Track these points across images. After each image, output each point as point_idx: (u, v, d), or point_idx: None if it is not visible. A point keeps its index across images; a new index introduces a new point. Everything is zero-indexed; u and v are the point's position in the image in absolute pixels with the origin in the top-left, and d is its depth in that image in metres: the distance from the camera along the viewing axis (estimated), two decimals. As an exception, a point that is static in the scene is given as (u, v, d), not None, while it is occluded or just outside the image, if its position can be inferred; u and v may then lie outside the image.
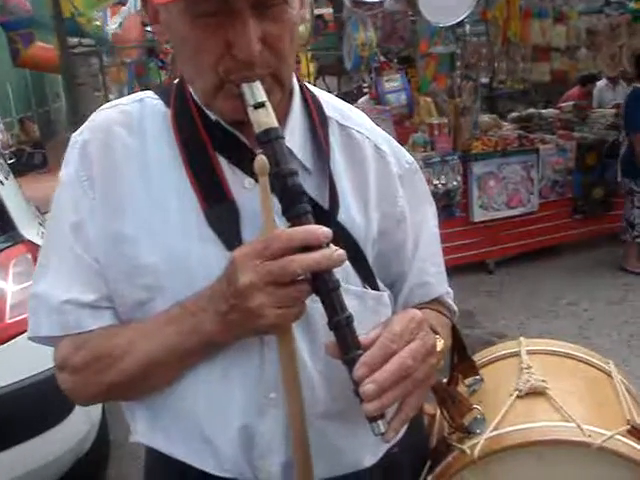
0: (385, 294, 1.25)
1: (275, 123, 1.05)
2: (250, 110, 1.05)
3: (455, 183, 6.11)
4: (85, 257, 1.15)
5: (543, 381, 1.24)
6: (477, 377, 1.33)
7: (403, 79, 5.51)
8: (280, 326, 1.03)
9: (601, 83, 9.14)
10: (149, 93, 1.25)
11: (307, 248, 0.99)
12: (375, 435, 1.00)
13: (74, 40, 8.31)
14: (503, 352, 1.39)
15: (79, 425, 3.12)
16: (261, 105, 1.05)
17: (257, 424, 1.14)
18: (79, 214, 1.15)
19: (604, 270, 6.59)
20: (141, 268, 1.12)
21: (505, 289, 6.33)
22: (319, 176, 1.18)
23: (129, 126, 1.19)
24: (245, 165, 1.14)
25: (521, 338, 1.39)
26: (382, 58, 5.73)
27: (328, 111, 1.26)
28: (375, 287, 1.23)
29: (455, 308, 1.37)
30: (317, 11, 7.65)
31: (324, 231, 1.00)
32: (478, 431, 1.21)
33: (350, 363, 1.00)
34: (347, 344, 1.01)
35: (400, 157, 1.32)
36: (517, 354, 1.36)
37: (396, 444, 1.24)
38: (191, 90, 1.18)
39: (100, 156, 1.16)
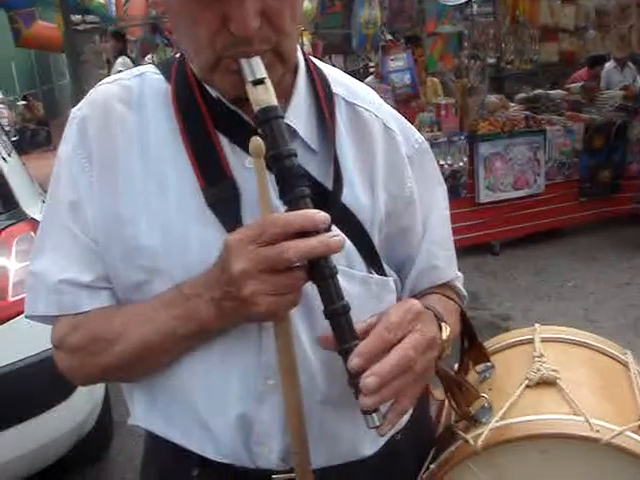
0: (390, 280, 1.22)
1: (274, 101, 1.00)
2: (249, 87, 1.01)
3: (461, 164, 6.09)
4: (82, 237, 1.12)
5: (554, 371, 1.20)
6: (488, 364, 1.29)
7: (409, 58, 5.43)
8: (275, 314, 1.00)
9: (609, 65, 9.04)
10: (150, 67, 1.22)
11: (304, 233, 0.95)
12: (369, 428, 0.98)
13: (77, 17, 8.25)
14: (517, 339, 1.35)
15: (82, 404, 3.11)
16: (260, 82, 1.01)
17: (255, 411, 1.12)
18: (77, 193, 1.12)
19: (610, 253, 6.54)
20: (139, 249, 1.10)
21: (510, 271, 6.30)
22: (324, 156, 1.14)
23: (129, 102, 1.15)
24: (246, 143, 1.08)
25: (536, 325, 1.35)
26: (389, 37, 5.66)
27: (335, 87, 1.22)
28: (381, 271, 1.20)
29: (465, 293, 1.34)
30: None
31: (322, 216, 0.96)
32: (484, 420, 1.18)
33: (345, 354, 0.97)
34: (343, 334, 0.98)
35: (409, 136, 1.27)
36: (531, 341, 1.31)
37: (399, 431, 1.22)
38: (191, 65, 1.15)
39: (99, 133, 1.13)
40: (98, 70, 9.23)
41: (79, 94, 6.91)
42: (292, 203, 0.98)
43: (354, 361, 0.95)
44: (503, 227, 6.58)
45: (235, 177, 1.10)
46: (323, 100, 1.18)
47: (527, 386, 1.20)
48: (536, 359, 1.24)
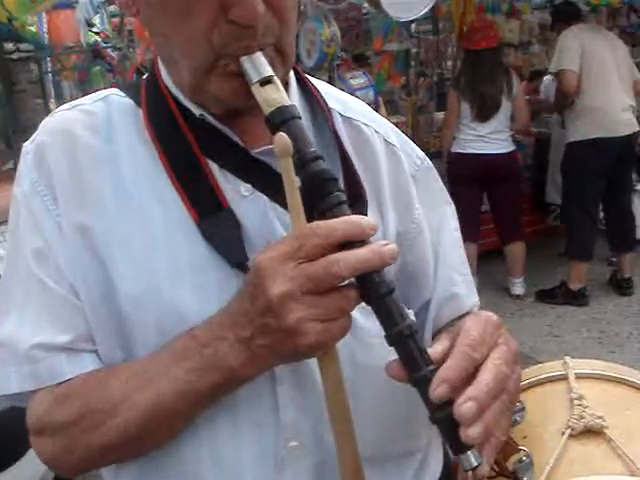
0: (411, 312, 1.06)
1: (288, 100, 0.86)
2: (255, 88, 0.86)
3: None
4: (55, 288, 0.93)
5: (600, 418, 1.04)
6: (518, 404, 1.13)
7: (367, 75, 5.35)
8: (324, 345, 0.81)
9: (548, 78, 9.15)
10: (114, 90, 1.04)
11: (346, 245, 0.79)
12: (465, 470, 0.80)
13: (10, 46, 7.98)
14: (547, 375, 1.19)
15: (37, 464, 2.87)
16: (268, 81, 0.86)
17: None
18: (42, 238, 0.94)
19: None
20: (120, 295, 0.92)
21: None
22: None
23: (94, 128, 0.98)
24: (239, 169, 0.95)
25: (567, 358, 1.19)
26: (343, 55, 5.58)
27: (329, 102, 1.08)
28: None
29: None
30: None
31: (369, 222, 0.80)
32: (525, 479, 1.01)
33: (421, 383, 0.80)
34: (414, 360, 0.81)
35: (410, 153, 1.14)
36: (564, 378, 1.16)
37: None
38: (167, 82, 0.98)
39: (60, 162, 0.95)
40: (35, 100, 8.93)
41: (14, 125, 6.66)
42: (328, 213, 0.81)
43: (440, 389, 0.78)
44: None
45: (232, 207, 0.93)
46: (326, 112, 1.04)
47: (570, 435, 1.04)
48: (575, 402, 1.08)
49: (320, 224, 0.80)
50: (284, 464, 0.93)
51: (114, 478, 1.01)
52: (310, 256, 0.78)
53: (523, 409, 1.13)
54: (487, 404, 0.78)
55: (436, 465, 1.13)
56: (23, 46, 8.44)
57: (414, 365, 0.81)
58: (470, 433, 0.76)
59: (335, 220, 0.80)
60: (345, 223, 0.79)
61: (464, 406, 0.77)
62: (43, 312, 0.93)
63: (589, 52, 5.24)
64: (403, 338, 0.81)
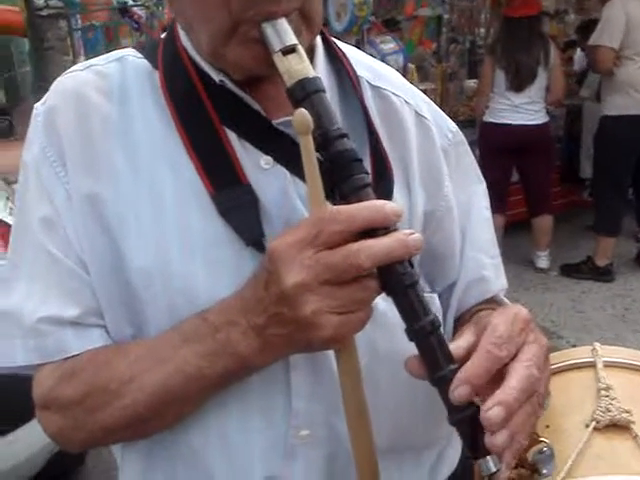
0: (435, 297, 1.03)
1: (312, 72, 0.80)
2: (277, 57, 0.81)
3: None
4: (63, 259, 0.89)
5: (627, 412, 0.99)
6: None
7: (397, 40, 5.24)
8: (342, 338, 0.77)
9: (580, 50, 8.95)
10: (130, 51, 1.00)
11: (368, 233, 0.74)
12: (483, 476, 0.77)
13: (40, 2, 7.94)
14: (574, 361, 1.13)
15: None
16: (291, 50, 0.80)
17: (285, 470, 0.91)
18: (51, 205, 0.90)
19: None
20: (130, 267, 0.88)
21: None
22: (358, 150, 0.93)
23: (108, 91, 0.94)
24: (260, 139, 0.90)
25: (596, 344, 1.14)
26: (374, 19, 5.47)
27: (357, 69, 1.02)
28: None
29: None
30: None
31: (393, 208, 0.75)
32: (545, 472, 0.95)
33: (441, 382, 0.76)
34: (435, 358, 0.77)
35: (442, 125, 1.08)
36: (592, 365, 1.11)
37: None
38: (185, 44, 0.93)
39: (71, 126, 0.91)
40: (62, 57, 8.91)
41: (42, 82, 6.62)
42: (350, 196, 0.76)
43: (460, 390, 0.74)
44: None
45: (250, 181, 0.89)
46: (355, 81, 0.98)
47: (595, 428, 1.00)
48: (602, 392, 1.04)
49: (341, 209, 0.75)
50: (294, 453, 0.91)
51: (121, 455, 1.00)
52: (329, 243, 0.74)
53: (548, 395, 1.09)
54: (515, 409, 0.74)
55: (454, 453, 1.11)
56: (52, 2, 8.41)
57: (434, 363, 0.77)
58: (495, 440, 0.73)
59: (357, 205, 0.75)
60: (368, 209, 0.74)
61: (491, 411, 0.72)
62: (51, 284, 0.90)
63: (635, 23, 5.07)
64: (424, 334, 0.77)
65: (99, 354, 0.89)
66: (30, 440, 2.75)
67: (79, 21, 9.44)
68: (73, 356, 0.89)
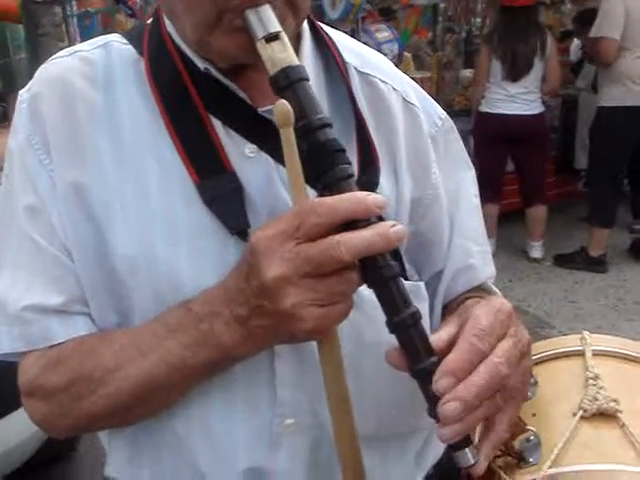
0: (422, 285, 1.02)
1: (295, 60, 0.79)
2: (260, 44, 0.80)
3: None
4: (47, 247, 0.89)
5: (614, 401, 0.99)
6: (531, 379, 1.09)
7: (392, 29, 5.23)
8: (323, 330, 0.77)
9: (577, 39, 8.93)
10: (116, 36, 0.99)
11: (350, 225, 0.74)
12: (461, 467, 0.78)
13: (35, -13, 7.88)
14: (563, 349, 1.14)
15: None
16: (274, 37, 0.80)
17: (269, 460, 0.91)
18: (35, 193, 0.90)
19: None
20: (115, 255, 0.88)
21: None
22: (346, 137, 0.92)
23: (93, 78, 0.93)
24: (245, 127, 0.90)
25: (585, 333, 1.13)
26: (369, 7, 5.45)
27: (345, 55, 1.02)
28: (405, 277, 0.99)
29: (499, 293, 1.13)
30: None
31: (376, 199, 0.74)
32: (532, 460, 0.96)
33: (422, 375, 0.77)
34: (416, 350, 0.77)
35: (431, 112, 1.07)
36: (581, 354, 1.11)
37: (433, 469, 1.05)
38: (170, 31, 0.93)
39: (56, 113, 0.90)
40: (58, 43, 8.86)
41: (37, 68, 6.57)
42: (332, 187, 0.76)
43: (441, 382, 0.75)
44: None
45: (235, 169, 0.88)
46: (342, 67, 0.98)
47: (582, 417, 1.00)
48: (590, 381, 1.04)
49: (322, 201, 0.74)
50: (279, 442, 0.91)
51: (108, 442, 1.00)
52: (310, 235, 0.73)
53: (536, 384, 1.08)
54: (474, 406, 0.75)
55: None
56: (47, -12, 8.35)
57: (415, 356, 0.77)
58: (444, 433, 0.75)
59: (338, 197, 0.74)
60: (349, 201, 0.74)
61: (446, 406, 0.74)
62: (35, 272, 0.90)
63: (635, 15, 5.03)
64: (405, 327, 0.77)
65: (84, 342, 0.89)
66: (20, 427, 2.74)
67: (74, 7, 9.40)
68: (58, 344, 0.89)
